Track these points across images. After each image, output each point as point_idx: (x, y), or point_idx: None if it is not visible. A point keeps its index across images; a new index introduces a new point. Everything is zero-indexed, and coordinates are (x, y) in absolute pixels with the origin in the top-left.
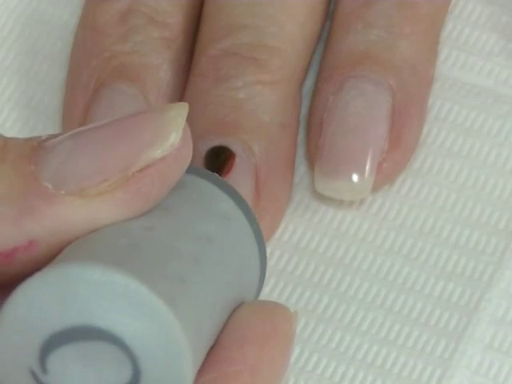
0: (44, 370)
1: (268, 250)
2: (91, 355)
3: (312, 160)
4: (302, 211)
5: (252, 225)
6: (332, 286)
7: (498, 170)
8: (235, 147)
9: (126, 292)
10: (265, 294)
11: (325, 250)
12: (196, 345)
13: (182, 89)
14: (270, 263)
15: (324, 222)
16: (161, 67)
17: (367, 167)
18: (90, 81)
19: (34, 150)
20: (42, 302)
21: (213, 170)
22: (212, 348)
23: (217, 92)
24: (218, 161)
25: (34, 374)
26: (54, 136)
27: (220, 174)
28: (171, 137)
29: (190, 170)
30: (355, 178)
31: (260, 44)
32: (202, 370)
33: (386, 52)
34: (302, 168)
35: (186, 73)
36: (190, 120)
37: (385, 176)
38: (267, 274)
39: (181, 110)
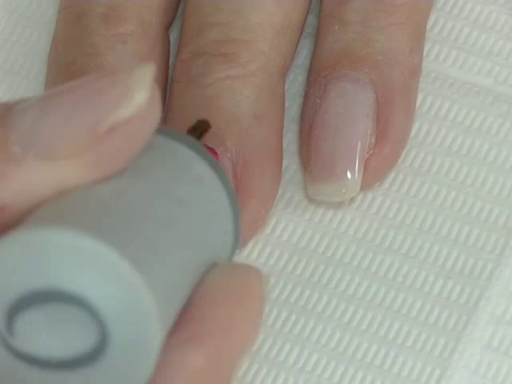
0: (11, 332)
1: (267, 249)
2: (58, 318)
3: (304, 165)
4: (302, 211)
5: (226, 187)
6: (331, 285)
7: (497, 168)
8: (209, 144)
9: (93, 256)
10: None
11: (324, 250)
12: (165, 307)
13: None
14: (270, 262)
15: (324, 221)
16: (118, 64)
17: (353, 166)
18: None
19: (3, 115)
20: (9, 264)
21: None
22: (184, 308)
23: (189, 93)
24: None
25: (1, 337)
26: (23, 101)
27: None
28: (137, 96)
29: (165, 132)
30: (342, 179)
31: (227, 39)
32: (174, 331)
33: (365, 47)
34: (302, 168)
35: (155, 63)
36: (171, 126)
37: (375, 171)
38: (267, 274)
39: (146, 70)
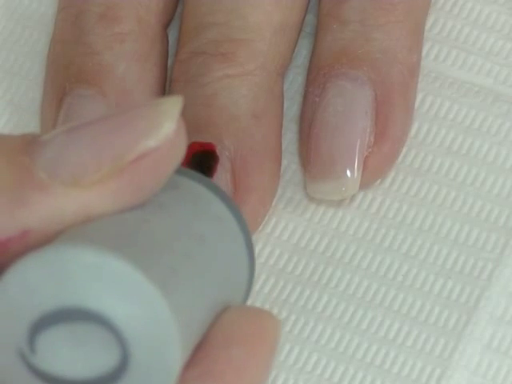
0: (33, 350)
1: (267, 249)
2: (81, 337)
3: (304, 164)
4: (302, 211)
5: (243, 229)
6: (331, 285)
7: (497, 168)
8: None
9: (118, 275)
10: (264, 293)
11: (324, 249)
12: (185, 335)
13: (145, 80)
14: (269, 262)
15: (324, 221)
16: (116, 63)
17: (352, 164)
18: (54, 92)
19: (29, 143)
20: (33, 281)
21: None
22: (199, 345)
23: (188, 93)
24: (202, 167)
25: (22, 354)
26: (50, 132)
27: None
28: (165, 127)
29: (185, 173)
30: (341, 177)
31: (225, 39)
32: (188, 366)
33: (363, 45)
34: (302, 168)
35: (153, 62)
36: None
37: (374, 169)
38: (267, 274)
39: (175, 103)
